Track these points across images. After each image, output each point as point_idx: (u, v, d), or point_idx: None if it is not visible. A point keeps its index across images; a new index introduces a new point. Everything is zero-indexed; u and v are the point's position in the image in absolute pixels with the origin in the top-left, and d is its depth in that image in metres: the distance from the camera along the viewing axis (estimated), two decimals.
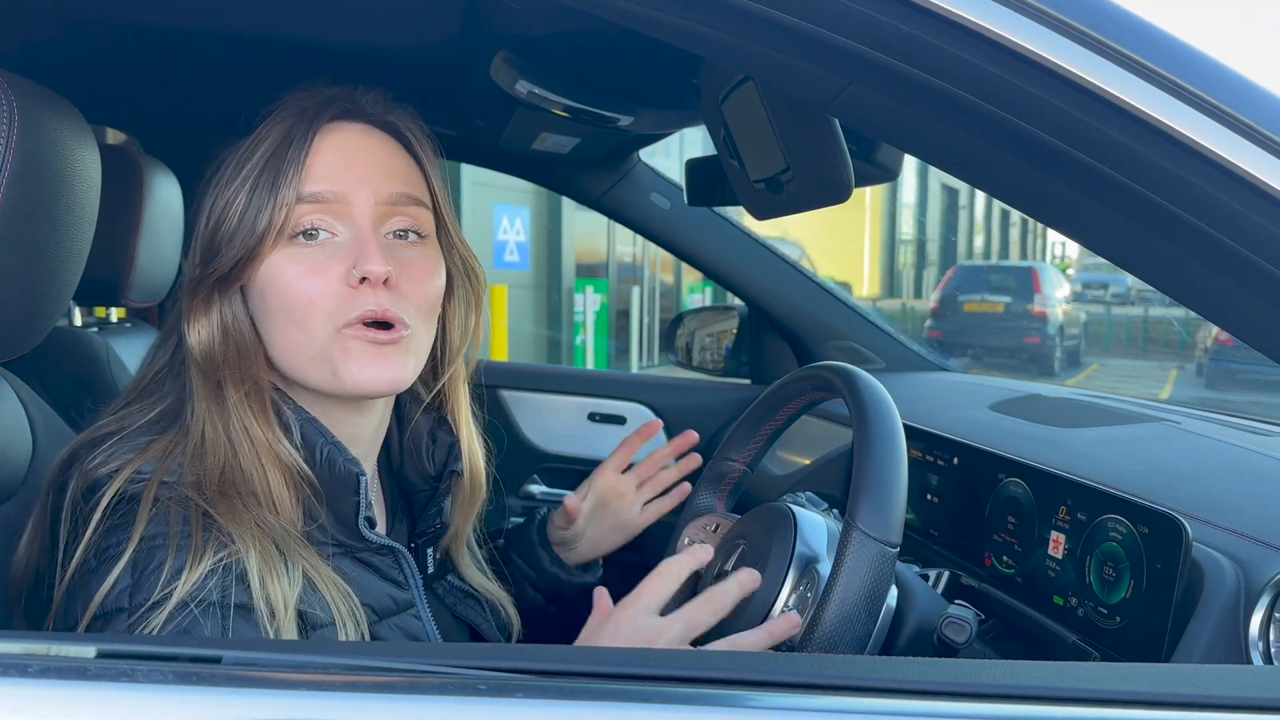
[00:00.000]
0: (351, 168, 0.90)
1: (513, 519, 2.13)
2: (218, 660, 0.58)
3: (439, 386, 1.04)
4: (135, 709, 0.54)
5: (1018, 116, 0.68)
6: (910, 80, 0.69)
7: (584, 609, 0.95)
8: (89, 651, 0.58)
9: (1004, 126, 0.69)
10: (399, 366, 0.89)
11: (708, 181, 1.69)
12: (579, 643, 0.89)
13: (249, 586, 0.80)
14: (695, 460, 1.31)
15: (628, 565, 2.07)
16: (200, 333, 0.89)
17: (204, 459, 0.86)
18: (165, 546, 0.79)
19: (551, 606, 1.27)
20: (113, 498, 0.82)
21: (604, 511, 1.28)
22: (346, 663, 0.59)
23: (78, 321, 1.68)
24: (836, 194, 1.11)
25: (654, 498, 1.30)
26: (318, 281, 0.87)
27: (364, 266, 0.86)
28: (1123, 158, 0.67)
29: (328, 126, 0.91)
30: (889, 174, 1.26)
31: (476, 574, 1.13)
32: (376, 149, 0.93)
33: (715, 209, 2.07)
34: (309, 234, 0.88)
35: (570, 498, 1.26)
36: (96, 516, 0.81)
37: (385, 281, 0.87)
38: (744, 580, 0.93)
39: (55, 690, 0.55)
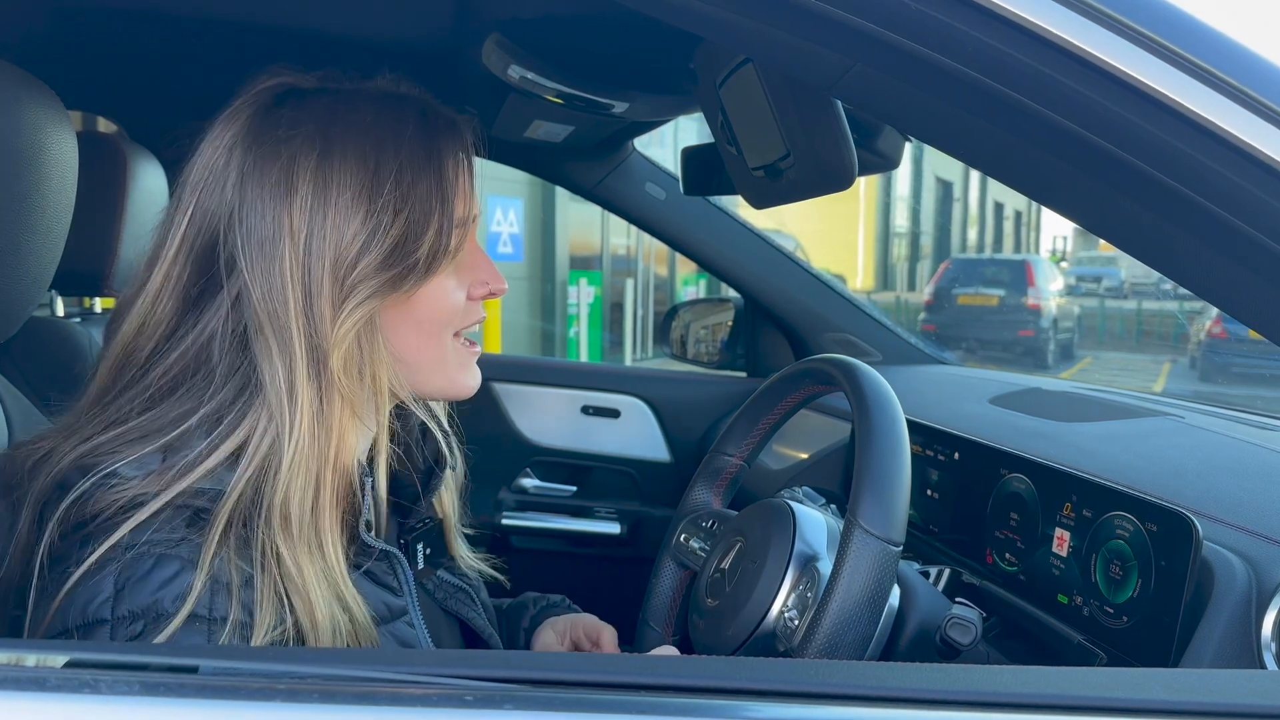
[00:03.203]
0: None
1: (505, 518, 2.11)
2: (194, 670, 0.55)
3: None
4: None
5: (1030, 98, 0.65)
6: (918, 60, 0.66)
7: None
8: (57, 660, 0.55)
9: (1016, 109, 0.66)
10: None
11: (704, 170, 1.66)
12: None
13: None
14: None
15: (624, 561, 2.06)
16: (354, 340, 0.82)
17: (278, 488, 0.78)
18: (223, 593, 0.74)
19: None
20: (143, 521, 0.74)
21: None
22: (329, 672, 0.56)
23: (59, 311, 1.65)
24: (839, 180, 1.08)
25: None
26: (461, 295, 0.90)
27: (496, 285, 0.92)
28: (1140, 140, 0.64)
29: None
30: (889, 162, 1.23)
31: (468, 554, 1.13)
32: None
33: (711, 200, 2.05)
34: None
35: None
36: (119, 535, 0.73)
37: None
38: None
39: (19, 702, 0.52)
